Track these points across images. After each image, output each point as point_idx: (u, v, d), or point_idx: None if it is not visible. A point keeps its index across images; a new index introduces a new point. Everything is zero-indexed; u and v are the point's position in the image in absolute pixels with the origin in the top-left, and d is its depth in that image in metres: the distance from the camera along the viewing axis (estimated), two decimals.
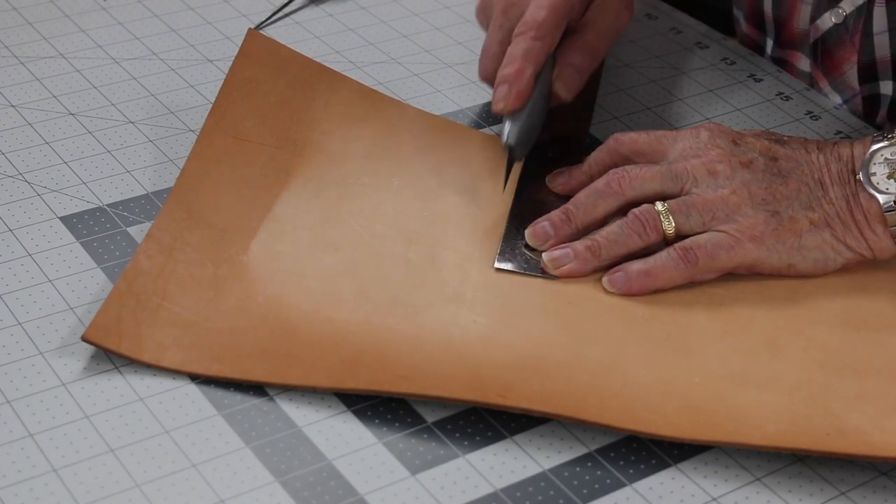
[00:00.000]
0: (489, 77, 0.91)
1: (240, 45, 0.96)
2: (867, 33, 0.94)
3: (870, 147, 0.81)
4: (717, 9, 1.11)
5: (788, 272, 0.82)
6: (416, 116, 0.94)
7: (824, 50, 0.98)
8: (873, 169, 0.81)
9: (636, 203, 0.83)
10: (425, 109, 0.96)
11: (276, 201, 0.86)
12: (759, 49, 1.06)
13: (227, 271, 0.81)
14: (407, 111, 0.95)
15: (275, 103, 0.92)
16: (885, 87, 0.96)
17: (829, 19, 0.96)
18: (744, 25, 1.07)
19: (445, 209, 0.87)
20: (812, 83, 1.01)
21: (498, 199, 0.87)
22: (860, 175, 0.81)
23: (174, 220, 0.83)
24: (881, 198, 0.80)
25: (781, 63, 1.04)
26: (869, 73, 0.96)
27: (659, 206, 0.82)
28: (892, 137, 0.81)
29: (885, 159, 0.81)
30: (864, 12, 0.93)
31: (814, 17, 0.97)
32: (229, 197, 0.86)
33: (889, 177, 0.80)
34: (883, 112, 0.98)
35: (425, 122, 0.94)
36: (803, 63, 1.01)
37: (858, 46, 0.95)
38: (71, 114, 0.96)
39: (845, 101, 0.99)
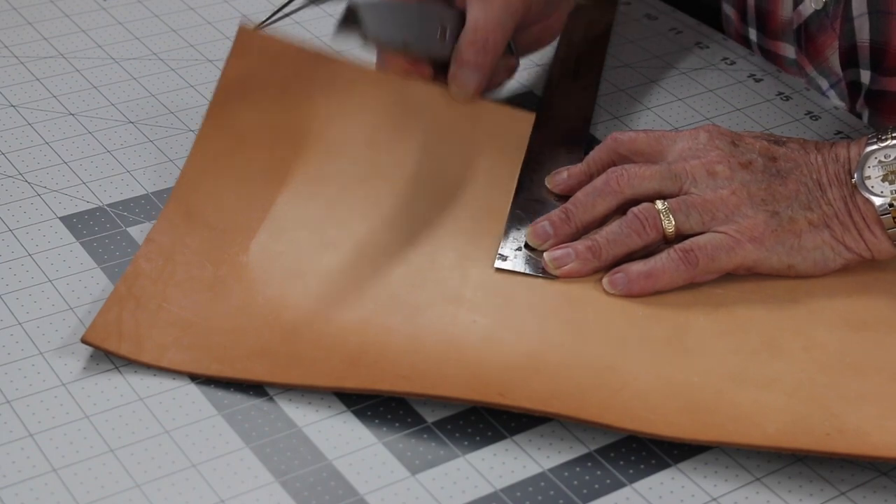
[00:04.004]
0: None
1: None
2: (847, 18, 0.94)
3: (864, 149, 0.81)
4: (715, 9, 1.11)
5: (788, 273, 0.82)
6: (420, 94, 0.92)
7: (807, 36, 0.98)
8: (868, 172, 0.81)
9: (635, 202, 0.83)
10: None
11: (275, 200, 0.86)
12: (746, 41, 1.06)
13: (226, 272, 0.81)
14: (410, 88, 0.93)
15: (272, 96, 0.92)
16: (865, 76, 0.97)
17: (809, 5, 0.97)
18: (732, 17, 1.07)
19: (446, 208, 0.86)
20: (798, 70, 1.01)
21: (498, 198, 0.87)
22: (855, 178, 0.81)
23: (174, 222, 0.83)
24: (876, 201, 0.80)
25: (767, 53, 1.04)
26: (850, 57, 0.96)
27: (659, 204, 0.82)
28: (885, 139, 0.81)
29: (879, 161, 0.81)
30: None
31: (796, 4, 0.98)
32: (228, 198, 0.86)
33: (884, 179, 0.80)
34: (861, 99, 0.98)
35: (429, 99, 0.92)
36: (788, 51, 1.01)
37: (839, 31, 0.95)
38: (71, 114, 0.96)
39: (832, 86, 0.99)
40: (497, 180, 0.88)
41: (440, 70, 0.92)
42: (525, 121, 0.93)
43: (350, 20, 0.86)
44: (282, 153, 0.89)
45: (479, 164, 0.90)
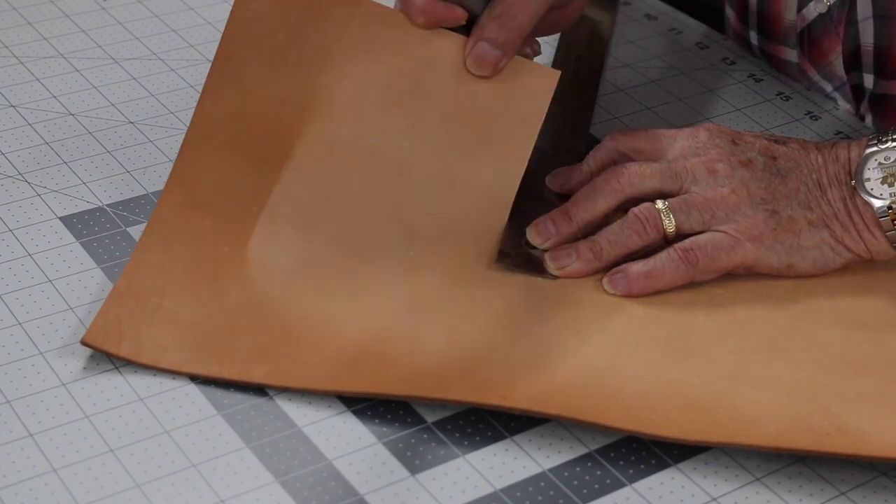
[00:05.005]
0: None
1: None
2: (851, 21, 0.94)
3: (864, 151, 0.81)
4: (715, 9, 1.11)
5: (788, 272, 0.82)
6: (440, 44, 0.85)
7: (811, 40, 0.98)
8: (867, 174, 0.81)
9: (635, 200, 0.83)
10: None
11: (276, 182, 0.83)
12: (747, 44, 1.06)
13: (226, 266, 0.80)
14: (430, 37, 0.85)
15: (283, 42, 0.86)
16: (868, 81, 0.97)
17: (814, 9, 0.96)
18: (732, 19, 1.07)
19: (450, 200, 0.84)
20: (800, 73, 1.01)
21: (502, 191, 0.85)
22: (854, 181, 0.81)
23: (173, 209, 0.82)
24: (875, 203, 0.80)
25: (768, 57, 1.04)
26: (853, 61, 0.96)
27: (659, 204, 0.82)
28: (885, 141, 0.81)
29: (879, 164, 0.81)
30: (849, 1, 0.94)
31: (800, 7, 0.98)
32: (229, 180, 0.83)
33: (883, 182, 0.80)
34: (865, 103, 0.98)
35: (449, 51, 0.85)
36: (790, 55, 1.01)
37: (843, 36, 0.95)
38: (71, 114, 0.96)
39: (835, 89, 0.99)
40: (506, 163, 0.84)
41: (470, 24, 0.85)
42: (549, 79, 0.86)
43: None
44: (287, 118, 0.84)
45: (492, 136, 0.85)
